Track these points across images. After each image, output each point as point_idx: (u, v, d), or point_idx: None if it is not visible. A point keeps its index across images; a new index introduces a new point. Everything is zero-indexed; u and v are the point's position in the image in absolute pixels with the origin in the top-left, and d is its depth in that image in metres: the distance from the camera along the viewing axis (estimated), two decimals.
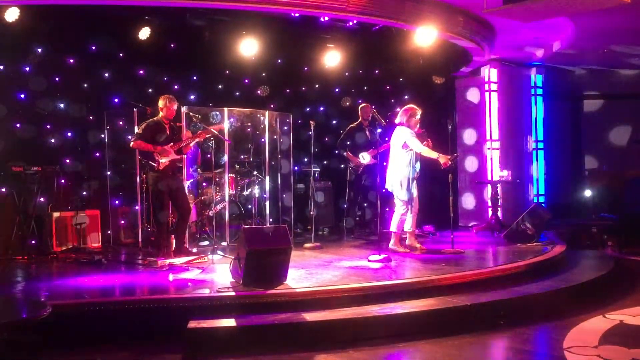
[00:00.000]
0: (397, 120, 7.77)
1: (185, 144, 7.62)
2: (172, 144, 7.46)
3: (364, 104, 9.62)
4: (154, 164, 7.35)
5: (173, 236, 7.67)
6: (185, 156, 8.00)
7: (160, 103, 7.50)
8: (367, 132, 9.49)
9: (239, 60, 8.96)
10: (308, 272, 6.45)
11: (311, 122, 8.50)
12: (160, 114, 7.50)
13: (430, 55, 9.35)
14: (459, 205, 11.51)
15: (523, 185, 11.93)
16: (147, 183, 7.82)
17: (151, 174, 7.48)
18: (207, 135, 7.60)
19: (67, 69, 8.77)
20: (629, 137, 13.18)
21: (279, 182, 9.44)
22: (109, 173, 8.91)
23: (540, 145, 12.35)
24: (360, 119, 9.55)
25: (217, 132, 7.75)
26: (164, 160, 7.35)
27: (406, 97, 10.58)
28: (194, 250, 7.84)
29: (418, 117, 7.71)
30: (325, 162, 10.83)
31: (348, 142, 9.49)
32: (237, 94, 10.25)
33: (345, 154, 9.49)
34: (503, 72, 11.66)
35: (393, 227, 7.77)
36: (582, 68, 12.87)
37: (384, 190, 7.89)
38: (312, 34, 8.91)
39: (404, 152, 7.61)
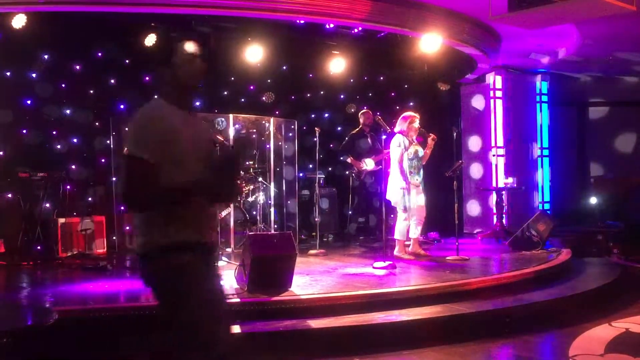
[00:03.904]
0: (396, 129, 7.79)
1: None
2: None
3: (364, 110, 9.65)
4: None
5: None
6: None
7: None
8: (369, 139, 9.50)
9: (245, 67, 8.99)
10: (313, 278, 6.45)
11: (316, 128, 8.51)
12: None
13: (435, 62, 9.36)
14: (463, 212, 11.49)
15: (528, 192, 11.91)
16: None
17: None
18: None
19: (73, 75, 8.81)
20: (635, 144, 13.16)
21: (284, 188, 9.46)
22: (114, 179, 8.93)
23: (546, 152, 12.33)
24: (361, 125, 9.57)
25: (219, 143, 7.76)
26: None
27: (411, 103, 10.60)
28: None
29: (416, 124, 7.73)
30: (330, 169, 10.84)
31: (350, 149, 9.50)
32: (243, 100, 10.28)
33: (348, 159, 9.49)
34: (508, 79, 11.66)
35: (396, 235, 7.77)
36: (587, 75, 12.86)
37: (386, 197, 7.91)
38: (317, 40, 8.92)
39: (397, 164, 7.66)
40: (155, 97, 2.88)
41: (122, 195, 2.73)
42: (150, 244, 2.77)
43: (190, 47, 2.84)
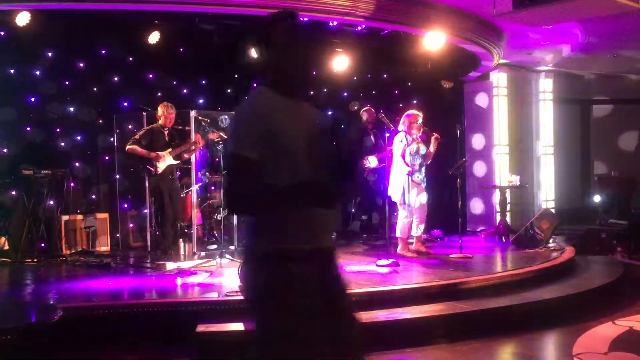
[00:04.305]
0: (399, 127, 7.79)
1: (182, 151, 7.68)
2: (170, 150, 7.54)
3: (365, 108, 9.64)
4: (152, 169, 7.44)
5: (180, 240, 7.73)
6: (195, 159, 8.06)
7: (159, 111, 7.60)
8: (372, 136, 9.49)
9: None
10: None
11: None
12: (159, 121, 7.59)
13: (439, 59, 9.34)
14: (467, 210, 11.48)
15: (532, 190, 11.89)
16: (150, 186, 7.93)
17: (150, 178, 7.62)
18: (200, 146, 7.76)
19: (77, 73, 8.84)
20: (638, 142, 13.13)
21: None
22: (118, 177, 8.96)
23: (549, 150, 12.31)
24: (363, 123, 9.56)
25: (204, 143, 7.86)
26: (160, 166, 7.45)
27: (415, 101, 10.58)
28: (202, 254, 7.86)
29: (419, 122, 7.72)
30: None
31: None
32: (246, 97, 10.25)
33: None
34: (512, 77, 11.65)
35: (398, 233, 7.76)
36: (591, 73, 12.83)
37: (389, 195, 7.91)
38: (320, 38, 8.91)
39: (400, 158, 7.65)
40: (259, 86, 2.54)
41: (225, 198, 2.43)
42: (254, 248, 2.48)
43: (294, 28, 2.51)
